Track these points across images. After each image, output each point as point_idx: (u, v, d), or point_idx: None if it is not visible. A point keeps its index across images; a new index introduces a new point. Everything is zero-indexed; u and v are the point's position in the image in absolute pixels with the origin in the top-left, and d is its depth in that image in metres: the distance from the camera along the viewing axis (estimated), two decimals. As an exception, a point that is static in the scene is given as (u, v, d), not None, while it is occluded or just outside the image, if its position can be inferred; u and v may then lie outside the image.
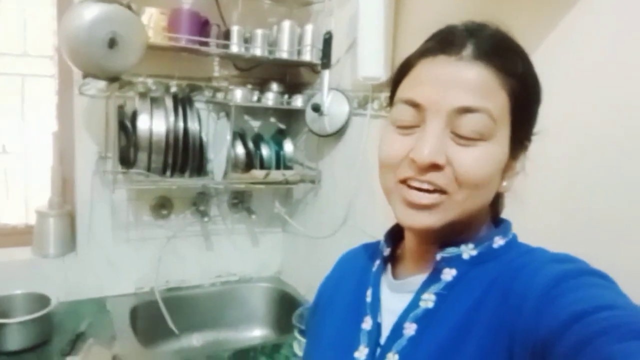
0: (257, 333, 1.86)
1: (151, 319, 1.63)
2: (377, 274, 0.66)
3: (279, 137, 1.84)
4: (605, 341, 0.40)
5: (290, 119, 1.92)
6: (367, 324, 0.62)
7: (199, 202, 1.78)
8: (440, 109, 0.53)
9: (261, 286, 1.93)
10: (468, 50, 0.54)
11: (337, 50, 1.62)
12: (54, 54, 1.63)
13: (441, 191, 0.54)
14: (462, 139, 0.53)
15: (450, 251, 0.58)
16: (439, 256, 0.58)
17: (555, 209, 0.94)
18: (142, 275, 1.72)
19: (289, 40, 1.68)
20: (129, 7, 1.33)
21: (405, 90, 0.57)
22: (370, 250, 0.72)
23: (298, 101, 1.76)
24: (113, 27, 1.29)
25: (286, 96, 1.77)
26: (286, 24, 1.68)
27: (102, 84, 1.50)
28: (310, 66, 1.77)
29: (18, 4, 1.59)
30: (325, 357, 0.67)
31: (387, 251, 0.66)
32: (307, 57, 1.70)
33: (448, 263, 0.58)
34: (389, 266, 0.65)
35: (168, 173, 1.54)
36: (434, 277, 0.58)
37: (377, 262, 0.67)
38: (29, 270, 1.55)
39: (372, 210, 1.51)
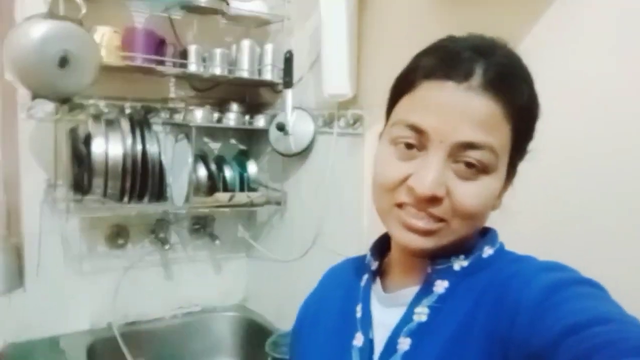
0: (224, 364, 1.77)
1: (110, 357, 1.51)
2: (366, 288, 0.64)
3: (241, 159, 1.79)
4: (601, 358, 0.39)
5: (252, 140, 1.87)
6: (358, 340, 0.60)
7: (158, 229, 1.69)
8: (445, 140, 0.52)
9: (226, 315, 1.84)
10: (477, 78, 0.52)
11: (299, 68, 1.60)
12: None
13: (438, 218, 0.54)
14: (464, 169, 0.53)
15: (442, 263, 0.57)
16: (430, 268, 0.57)
17: (539, 216, 0.95)
18: (98, 310, 1.60)
19: (249, 60, 1.66)
20: (81, 24, 1.26)
21: (409, 113, 0.55)
22: (355, 264, 0.70)
23: (260, 121, 1.73)
24: (64, 45, 1.22)
25: (247, 116, 1.73)
26: (246, 43, 1.66)
27: (50, 106, 1.42)
28: (271, 85, 1.75)
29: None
30: None
31: (374, 265, 0.65)
32: (267, 76, 1.68)
33: (439, 275, 0.57)
34: (377, 281, 0.64)
35: (126, 199, 1.45)
36: (426, 289, 0.57)
37: (365, 276, 0.65)
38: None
39: (342, 230, 1.48)
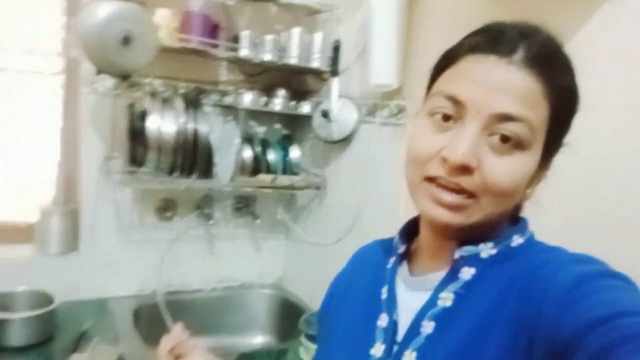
0: (258, 339, 1.84)
1: (153, 322, 1.60)
2: (392, 270, 0.65)
3: (285, 143, 1.84)
4: (628, 350, 0.39)
5: (296, 126, 1.93)
6: (382, 321, 0.61)
7: (204, 205, 1.78)
8: (482, 111, 0.52)
9: (263, 293, 1.91)
10: (519, 54, 0.52)
11: (346, 57, 1.64)
12: (61, 50, 1.62)
13: (468, 194, 0.53)
14: (498, 143, 0.52)
15: (469, 250, 0.57)
16: (457, 254, 0.58)
17: (571, 210, 0.95)
18: (144, 277, 1.70)
19: (298, 47, 1.70)
20: (143, 5, 1.34)
21: (449, 83, 0.56)
22: (384, 246, 0.71)
23: (305, 107, 1.78)
24: (127, 24, 1.30)
25: (293, 102, 1.78)
26: (296, 31, 1.70)
27: (110, 82, 1.51)
28: (318, 73, 1.79)
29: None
30: (340, 354, 0.66)
31: (402, 248, 0.66)
32: (315, 64, 1.72)
33: (467, 262, 0.57)
34: (405, 263, 0.65)
35: (176, 174, 1.53)
36: (452, 275, 0.57)
37: (392, 258, 0.66)
38: (30, 267, 1.53)
39: (378, 218, 1.51)
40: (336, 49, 1.64)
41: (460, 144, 0.52)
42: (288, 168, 1.80)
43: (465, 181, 0.53)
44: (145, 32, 1.34)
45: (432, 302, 0.57)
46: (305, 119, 1.79)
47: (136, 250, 1.69)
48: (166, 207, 1.72)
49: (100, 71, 1.34)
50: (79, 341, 1.34)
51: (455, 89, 0.54)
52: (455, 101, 0.54)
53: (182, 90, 1.66)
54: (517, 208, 0.62)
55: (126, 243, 1.67)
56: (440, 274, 0.58)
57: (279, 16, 1.80)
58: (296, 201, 1.95)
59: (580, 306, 0.45)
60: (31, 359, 1.27)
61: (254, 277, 1.94)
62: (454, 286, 0.57)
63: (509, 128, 0.52)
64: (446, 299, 0.56)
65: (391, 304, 0.62)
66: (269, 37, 1.68)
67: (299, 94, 1.85)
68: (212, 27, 1.60)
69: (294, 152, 1.82)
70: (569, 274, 0.49)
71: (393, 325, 0.60)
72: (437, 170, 0.54)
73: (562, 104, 0.54)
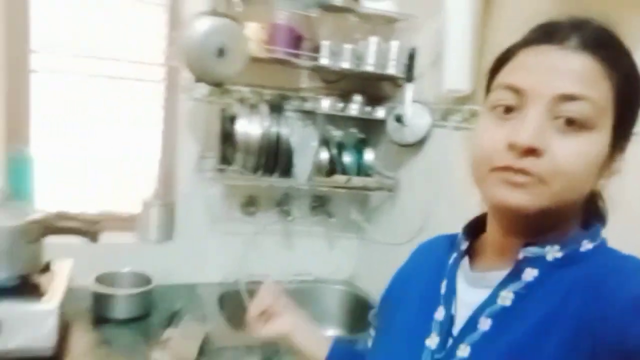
0: (330, 332, 1.94)
1: (236, 307, 1.75)
2: (453, 266, 0.66)
3: (360, 146, 1.93)
4: None
5: (370, 130, 2.01)
6: (439, 314, 0.63)
7: (283, 202, 1.91)
8: (543, 94, 0.52)
9: (335, 288, 2.01)
10: (573, 41, 0.53)
11: (420, 63, 1.70)
12: (164, 60, 1.82)
13: (538, 178, 0.52)
14: (563, 126, 0.52)
15: (534, 251, 0.57)
16: (521, 255, 0.57)
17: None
18: (229, 266, 1.86)
19: (375, 55, 1.79)
20: (236, 20, 1.49)
21: (506, 76, 0.57)
22: (447, 241, 0.71)
23: (380, 112, 1.86)
24: (222, 38, 1.46)
25: (368, 107, 1.87)
26: (373, 40, 1.79)
27: (205, 89, 1.68)
28: (393, 79, 1.86)
29: (132, 14, 1.80)
30: (396, 343, 0.68)
31: (465, 244, 0.66)
32: (391, 70, 1.80)
33: (530, 263, 0.57)
34: (466, 259, 0.65)
35: (259, 173, 1.68)
36: (514, 275, 0.57)
37: (454, 254, 0.67)
38: (133, 252, 1.73)
39: (449, 222, 1.53)
40: (412, 56, 1.71)
41: (526, 128, 0.52)
42: (362, 170, 1.88)
43: (533, 166, 0.52)
44: (238, 45, 1.49)
45: (491, 299, 0.57)
46: (380, 124, 1.87)
47: (222, 241, 1.85)
48: (250, 203, 1.88)
49: (197, 80, 1.51)
50: (172, 318, 1.51)
51: (514, 79, 0.55)
52: (515, 90, 0.55)
53: (267, 97, 1.80)
54: (590, 212, 0.61)
55: (214, 234, 1.84)
56: (502, 273, 0.58)
57: (358, 26, 1.90)
58: (369, 202, 2.04)
59: None
60: (132, 331, 1.45)
61: (328, 272, 2.05)
62: (515, 286, 0.57)
63: (572, 108, 0.52)
64: (506, 298, 0.56)
65: (449, 298, 0.63)
66: (347, 46, 1.78)
67: (374, 99, 1.93)
68: (296, 38, 1.74)
69: (369, 155, 1.91)
70: (636, 288, 0.48)
71: (450, 319, 0.61)
72: (504, 159, 0.53)
73: (627, 86, 0.54)
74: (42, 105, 1.71)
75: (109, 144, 1.81)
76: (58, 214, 1.33)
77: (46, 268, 1.36)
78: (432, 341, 0.61)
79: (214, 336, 1.44)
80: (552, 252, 0.56)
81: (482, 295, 0.59)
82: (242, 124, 1.63)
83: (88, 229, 1.31)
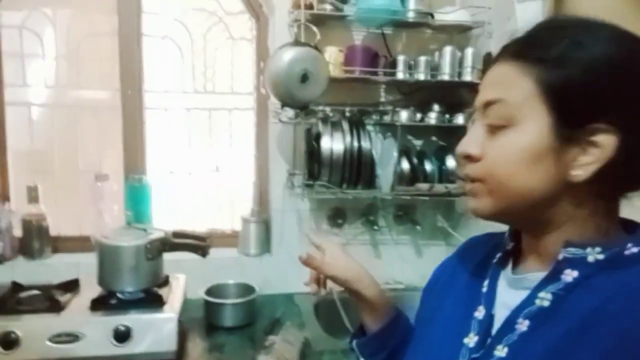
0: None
1: (330, 316, 1.85)
2: (497, 266, 0.66)
3: (441, 154, 1.97)
4: None
5: (451, 136, 2.04)
6: (479, 313, 0.63)
7: (369, 213, 2.00)
8: (476, 106, 0.61)
9: (425, 294, 2.04)
10: (501, 54, 0.60)
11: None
12: (253, 91, 2.00)
13: (478, 180, 0.59)
14: (491, 130, 0.58)
15: (574, 252, 0.56)
16: (561, 255, 0.57)
17: None
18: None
19: (450, 64, 1.83)
20: (317, 48, 1.62)
21: None
22: (494, 240, 0.72)
23: (459, 119, 1.89)
24: (305, 65, 1.58)
25: (447, 115, 1.91)
26: (447, 49, 1.83)
27: (291, 112, 1.82)
28: (470, 86, 1.88)
29: (226, 51, 2.00)
30: (435, 337, 0.69)
31: (510, 245, 0.67)
32: (467, 77, 1.83)
33: (571, 264, 0.56)
34: (510, 260, 0.66)
35: (344, 186, 1.78)
36: (554, 276, 0.57)
37: (499, 254, 0.67)
38: (237, 265, 1.90)
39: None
40: (487, 61, 1.74)
41: (464, 138, 0.60)
42: (445, 177, 1.92)
43: (472, 170, 0.59)
44: (319, 70, 1.61)
45: (529, 300, 0.58)
46: (460, 130, 1.89)
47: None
48: (337, 215, 1.98)
49: (284, 104, 1.65)
50: (274, 325, 1.64)
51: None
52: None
53: (348, 114, 1.91)
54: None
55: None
56: (542, 274, 0.58)
57: (432, 37, 1.96)
58: (454, 208, 2.06)
59: None
60: (238, 337, 1.59)
61: (417, 280, 2.08)
62: (554, 287, 0.56)
63: (489, 113, 0.58)
64: (544, 299, 0.56)
65: (490, 299, 0.64)
66: (422, 58, 1.83)
67: (452, 106, 1.96)
68: (372, 56, 1.83)
69: (450, 162, 1.94)
70: None
71: (489, 318, 0.62)
72: (460, 170, 0.63)
73: (554, 74, 0.53)
74: (154, 137, 1.96)
75: (211, 169, 2.01)
76: (174, 232, 1.51)
77: (165, 282, 1.55)
78: (471, 340, 0.62)
79: (313, 341, 1.54)
80: (594, 254, 0.56)
81: (522, 296, 0.59)
82: (326, 141, 1.75)
83: (199, 246, 1.48)
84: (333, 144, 1.75)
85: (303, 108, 1.68)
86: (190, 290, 1.64)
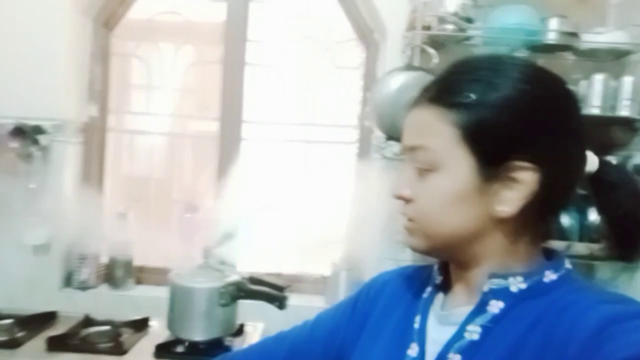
0: None
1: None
2: (427, 301, 0.65)
3: (583, 205, 1.60)
4: None
5: (596, 185, 1.66)
6: (413, 350, 0.62)
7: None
8: (402, 149, 0.62)
9: None
10: (420, 98, 0.60)
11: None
12: (357, 123, 1.81)
13: (412, 220, 0.60)
14: (419, 171, 0.59)
15: (497, 283, 0.57)
16: (486, 287, 0.57)
17: None
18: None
19: (602, 95, 1.48)
20: (433, 73, 1.37)
21: None
22: (425, 273, 0.70)
23: (610, 163, 1.52)
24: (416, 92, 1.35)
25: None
26: (598, 78, 1.50)
27: (397, 147, 1.58)
28: (627, 123, 1.52)
29: (330, 81, 1.84)
30: None
31: (439, 279, 0.66)
32: (623, 112, 1.47)
33: (495, 295, 0.57)
34: (439, 295, 0.65)
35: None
36: (481, 308, 0.57)
37: (429, 289, 0.67)
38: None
39: None
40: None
41: (397, 178, 0.62)
42: (586, 234, 1.55)
43: (406, 210, 0.60)
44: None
45: (459, 334, 0.57)
46: (611, 178, 1.52)
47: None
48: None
49: (389, 137, 1.42)
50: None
51: None
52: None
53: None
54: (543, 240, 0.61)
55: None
56: (469, 308, 0.58)
57: (576, 64, 1.62)
58: (596, 274, 1.65)
59: (606, 349, 0.45)
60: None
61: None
62: (482, 319, 0.57)
63: (414, 157, 0.59)
64: (473, 332, 0.57)
65: (422, 335, 0.63)
66: (567, 88, 1.51)
67: (601, 147, 1.59)
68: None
69: (594, 215, 1.56)
70: (597, 316, 0.49)
71: (422, 356, 0.61)
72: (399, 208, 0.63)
73: (473, 119, 0.55)
74: (249, 169, 1.84)
75: (305, 206, 1.83)
76: (251, 278, 1.34)
77: (239, 331, 1.37)
78: None
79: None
80: (516, 284, 0.57)
81: (451, 332, 0.58)
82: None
83: (277, 297, 1.28)
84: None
85: (410, 143, 1.44)
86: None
